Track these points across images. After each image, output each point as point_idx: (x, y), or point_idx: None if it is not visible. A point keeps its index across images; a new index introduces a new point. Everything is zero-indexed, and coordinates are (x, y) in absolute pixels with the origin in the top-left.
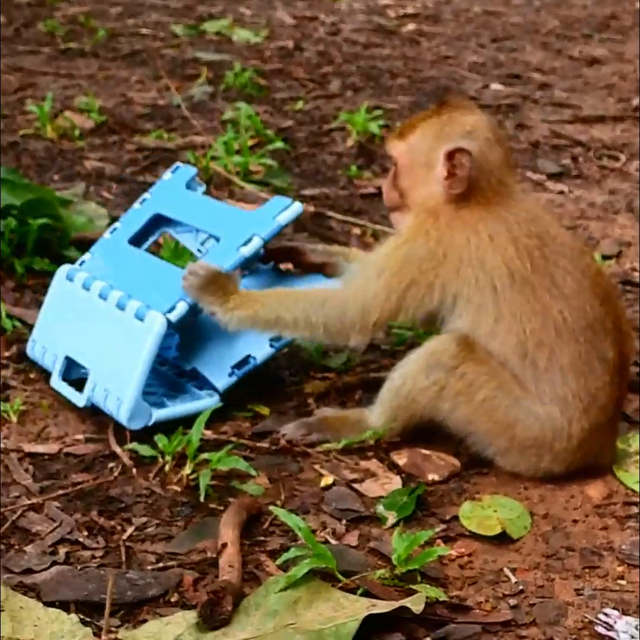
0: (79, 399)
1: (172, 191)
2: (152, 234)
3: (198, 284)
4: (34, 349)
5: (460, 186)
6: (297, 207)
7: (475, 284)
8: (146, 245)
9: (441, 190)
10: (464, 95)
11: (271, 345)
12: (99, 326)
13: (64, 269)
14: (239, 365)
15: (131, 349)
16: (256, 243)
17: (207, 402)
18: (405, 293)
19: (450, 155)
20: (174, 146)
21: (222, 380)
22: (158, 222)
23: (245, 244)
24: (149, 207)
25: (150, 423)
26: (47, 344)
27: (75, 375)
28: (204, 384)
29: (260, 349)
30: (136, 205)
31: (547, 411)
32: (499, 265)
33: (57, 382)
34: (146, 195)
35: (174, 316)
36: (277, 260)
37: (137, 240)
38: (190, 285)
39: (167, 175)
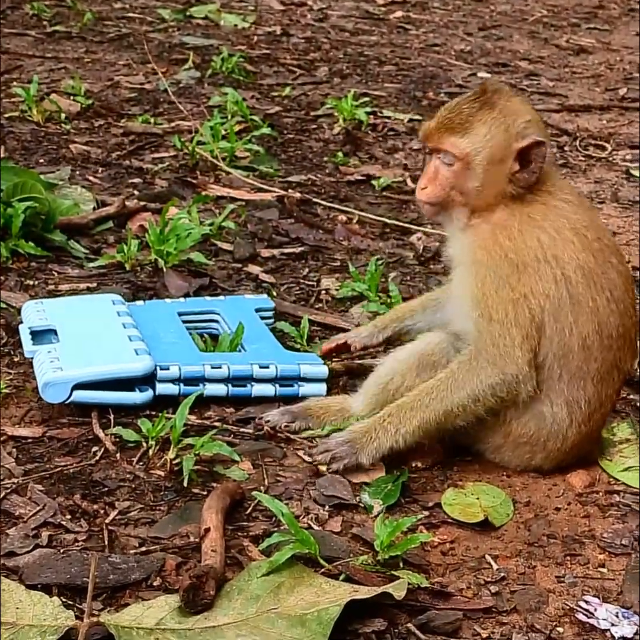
0: (29, 349)
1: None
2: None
3: (344, 458)
4: (24, 309)
5: (530, 179)
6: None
7: (554, 280)
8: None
9: (506, 188)
10: (450, 83)
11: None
12: (101, 330)
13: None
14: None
15: (108, 359)
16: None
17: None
18: (517, 319)
19: (526, 149)
20: (160, 131)
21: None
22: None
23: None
24: (213, 305)
25: (66, 400)
26: (51, 313)
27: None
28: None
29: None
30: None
31: (553, 412)
32: (572, 258)
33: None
34: (221, 297)
35: (162, 374)
36: (330, 356)
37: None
38: (341, 464)
39: (248, 295)
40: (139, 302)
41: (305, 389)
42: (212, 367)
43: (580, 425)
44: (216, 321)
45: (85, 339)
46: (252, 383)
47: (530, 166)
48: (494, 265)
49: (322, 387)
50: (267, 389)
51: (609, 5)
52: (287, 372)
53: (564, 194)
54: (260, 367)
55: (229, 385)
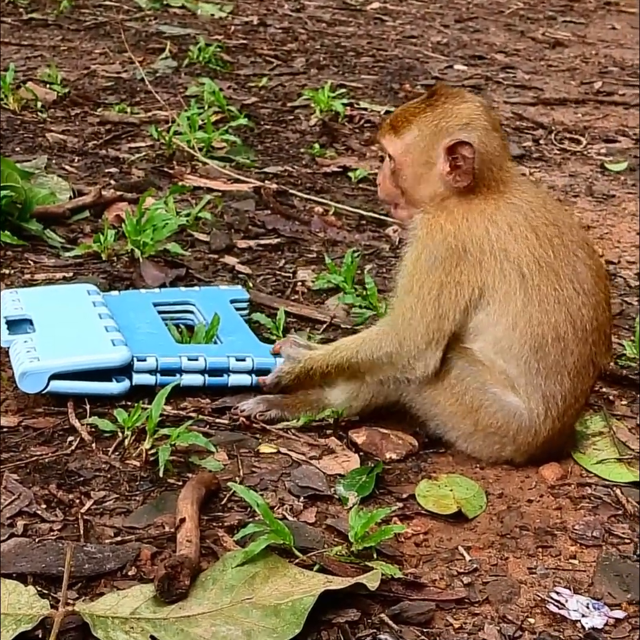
0: (5, 339)
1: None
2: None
3: (282, 380)
4: None
5: (465, 179)
6: None
7: (500, 273)
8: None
9: (445, 185)
10: (426, 75)
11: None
12: (77, 320)
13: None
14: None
15: (85, 349)
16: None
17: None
18: (439, 300)
19: (451, 150)
20: (136, 120)
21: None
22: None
23: None
24: (188, 296)
25: (43, 390)
26: (26, 302)
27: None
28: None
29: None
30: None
31: (529, 407)
32: (524, 253)
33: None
34: (196, 288)
35: (139, 365)
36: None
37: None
38: (277, 381)
39: (223, 286)
40: (114, 293)
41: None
42: (189, 359)
43: (554, 420)
44: (191, 312)
45: (61, 329)
46: (229, 373)
47: (462, 167)
48: (433, 245)
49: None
50: (244, 379)
51: None
52: (264, 365)
53: (523, 193)
54: (237, 360)
55: (206, 375)
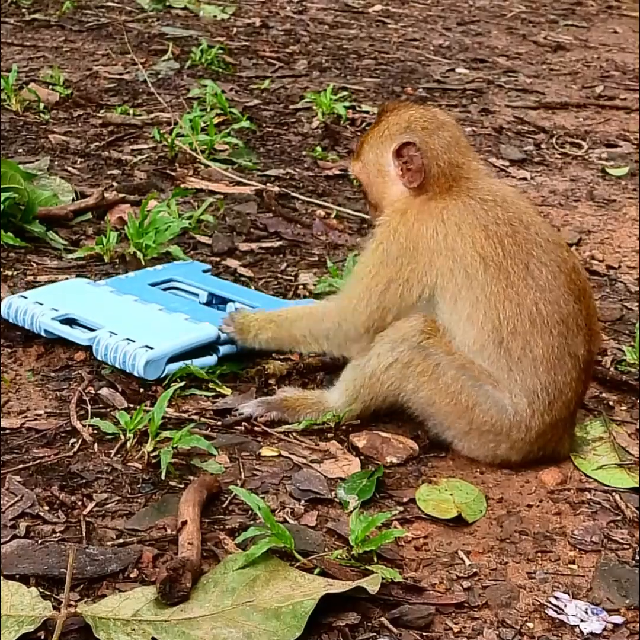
0: (85, 337)
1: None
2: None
3: (234, 329)
4: (11, 306)
5: (417, 178)
6: None
7: (449, 273)
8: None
9: (403, 189)
10: (428, 78)
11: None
12: (127, 308)
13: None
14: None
15: (177, 331)
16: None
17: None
18: (385, 294)
19: (398, 153)
20: (139, 122)
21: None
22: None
23: None
24: (168, 272)
25: (162, 375)
26: (53, 303)
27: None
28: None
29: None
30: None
31: (514, 402)
32: (470, 252)
33: (54, 323)
34: (158, 267)
35: (223, 336)
36: None
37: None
38: (229, 329)
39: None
40: (100, 282)
41: None
42: None
43: (542, 414)
44: (178, 288)
45: (127, 316)
46: None
47: (412, 167)
48: (388, 243)
49: None
50: None
51: (587, 2)
52: None
53: (478, 191)
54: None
55: None
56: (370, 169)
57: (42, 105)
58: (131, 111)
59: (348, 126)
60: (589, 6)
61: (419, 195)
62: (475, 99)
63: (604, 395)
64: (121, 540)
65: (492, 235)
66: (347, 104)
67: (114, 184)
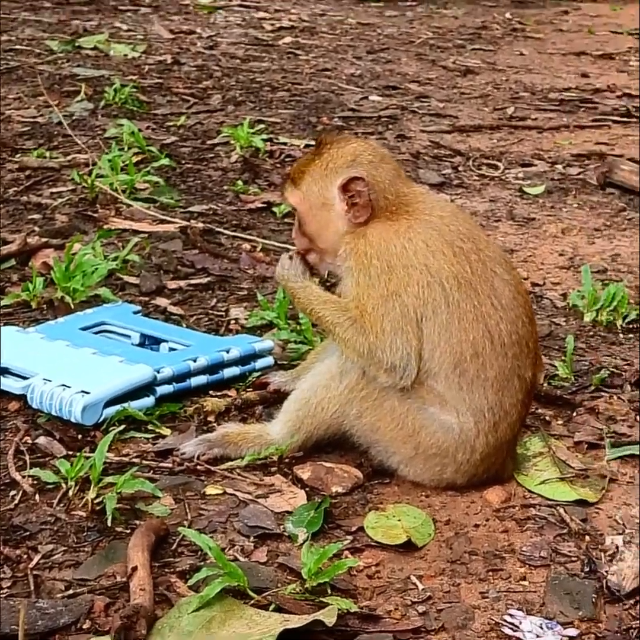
0: (18, 386)
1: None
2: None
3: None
4: None
5: (364, 213)
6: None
7: (427, 286)
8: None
9: (345, 224)
10: (343, 107)
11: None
12: (61, 353)
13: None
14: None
15: (112, 374)
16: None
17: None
18: (390, 313)
19: (345, 188)
20: (56, 165)
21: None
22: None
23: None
24: (98, 316)
25: (99, 419)
26: None
27: None
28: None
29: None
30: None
31: (460, 421)
32: (442, 267)
33: None
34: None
35: (160, 376)
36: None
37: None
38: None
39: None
40: (30, 329)
41: (259, 363)
42: (194, 361)
43: (487, 435)
44: (110, 331)
45: (60, 362)
46: (224, 368)
47: (359, 202)
48: (364, 268)
49: (271, 359)
50: (234, 371)
51: (492, 26)
52: (247, 351)
53: (437, 211)
54: (227, 352)
55: (207, 374)
56: (313, 201)
57: None
58: (48, 154)
59: (267, 159)
60: (494, 30)
61: (383, 221)
62: (390, 126)
63: (540, 410)
64: (71, 591)
65: (459, 252)
66: (264, 136)
67: (36, 228)
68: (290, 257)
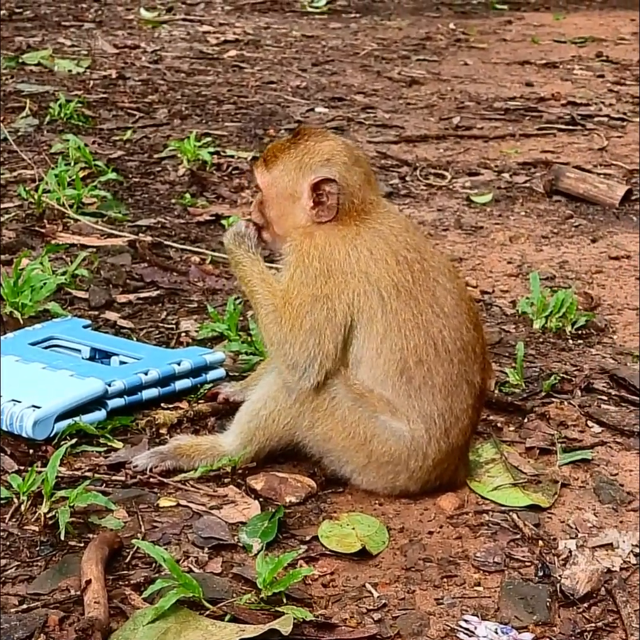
0: None
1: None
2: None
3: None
4: None
5: (328, 214)
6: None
7: (364, 294)
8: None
9: (307, 219)
10: (289, 119)
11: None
12: (13, 369)
13: None
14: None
15: (63, 388)
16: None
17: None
18: (312, 313)
19: (316, 186)
20: (2, 181)
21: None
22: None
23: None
24: (48, 331)
25: (51, 433)
26: None
27: None
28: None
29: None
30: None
31: (411, 428)
32: (383, 276)
33: None
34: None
35: (111, 390)
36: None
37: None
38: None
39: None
40: None
41: (210, 375)
42: (145, 374)
43: (439, 441)
44: (59, 346)
45: (10, 378)
46: (175, 380)
47: (326, 202)
48: (304, 267)
49: (223, 371)
50: (186, 383)
51: (436, 37)
52: (198, 363)
53: (388, 221)
54: (178, 364)
55: (159, 387)
56: (280, 189)
57: None
58: None
59: (214, 171)
60: (438, 40)
61: (335, 226)
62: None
63: (491, 417)
64: (25, 606)
65: (403, 261)
66: (211, 149)
67: None
68: (247, 226)
